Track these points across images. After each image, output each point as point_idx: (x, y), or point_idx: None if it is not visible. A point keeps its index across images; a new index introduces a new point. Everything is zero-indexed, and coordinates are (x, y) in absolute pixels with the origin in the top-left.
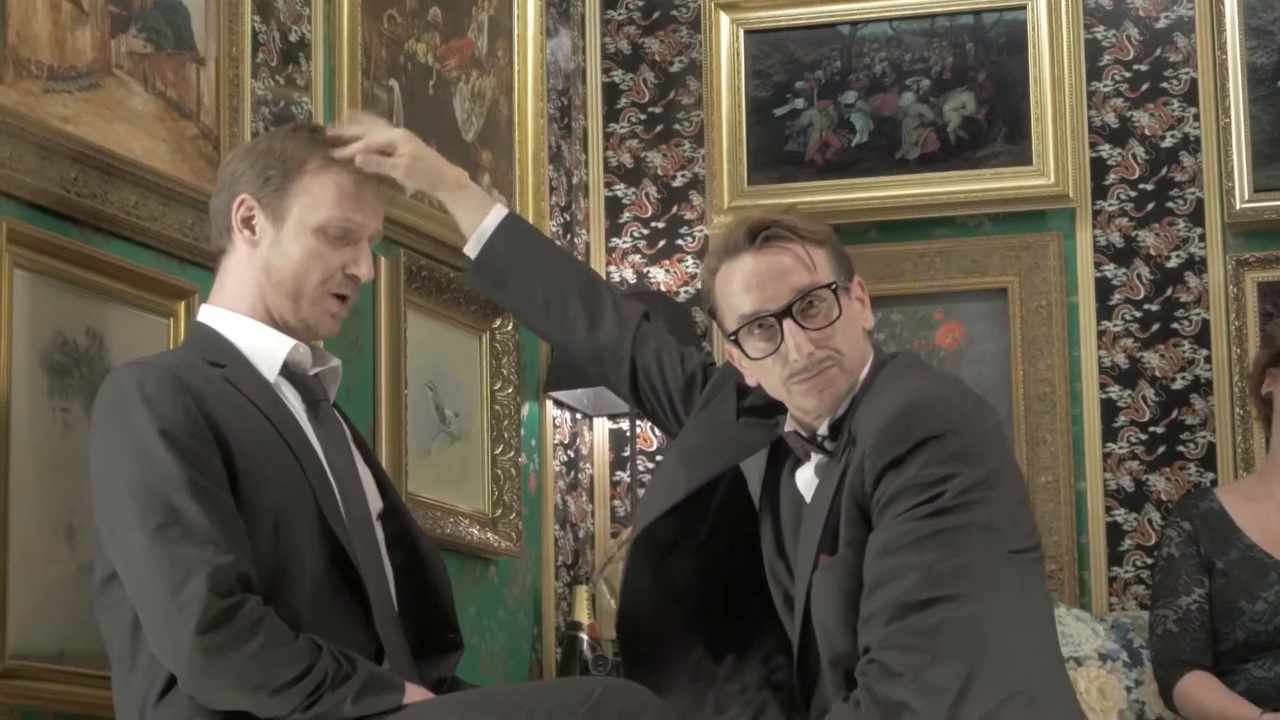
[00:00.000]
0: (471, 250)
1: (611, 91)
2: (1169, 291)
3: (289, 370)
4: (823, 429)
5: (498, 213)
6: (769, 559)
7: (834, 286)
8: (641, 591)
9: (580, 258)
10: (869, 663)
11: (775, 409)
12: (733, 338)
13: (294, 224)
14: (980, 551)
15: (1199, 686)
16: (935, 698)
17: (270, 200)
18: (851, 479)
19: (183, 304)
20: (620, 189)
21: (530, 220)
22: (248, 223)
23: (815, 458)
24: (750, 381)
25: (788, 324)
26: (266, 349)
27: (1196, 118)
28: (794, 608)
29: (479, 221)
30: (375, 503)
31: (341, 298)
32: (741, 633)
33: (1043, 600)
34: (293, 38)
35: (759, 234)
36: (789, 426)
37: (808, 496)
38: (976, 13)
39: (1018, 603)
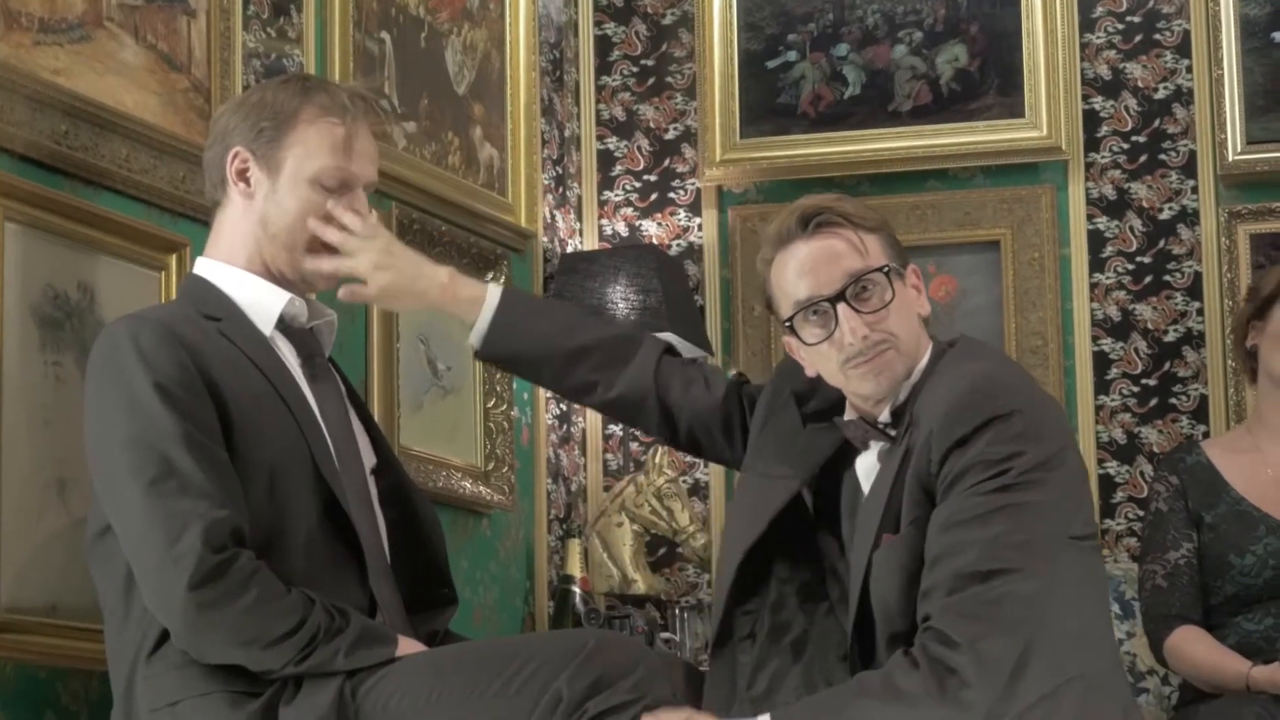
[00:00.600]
0: (475, 343)
1: (603, 44)
2: (1161, 244)
3: (284, 324)
4: (884, 415)
5: (489, 305)
6: (830, 556)
7: (887, 270)
8: (732, 612)
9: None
10: (926, 630)
11: (836, 409)
12: (788, 325)
13: (289, 175)
14: (1043, 529)
15: (1189, 641)
16: (991, 671)
17: (264, 152)
18: (916, 459)
19: (174, 257)
20: (612, 142)
21: (523, 175)
22: (243, 175)
23: (875, 445)
24: (809, 370)
25: (841, 308)
26: (262, 302)
27: (1189, 70)
28: (849, 596)
29: (474, 318)
30: (369, 459)
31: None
32: (802, 640)
33: (1102, 587)
34: None
35: (811, 221)
36: (849, 415)
37: (866, 486)
38: None
39: (1079, 586)
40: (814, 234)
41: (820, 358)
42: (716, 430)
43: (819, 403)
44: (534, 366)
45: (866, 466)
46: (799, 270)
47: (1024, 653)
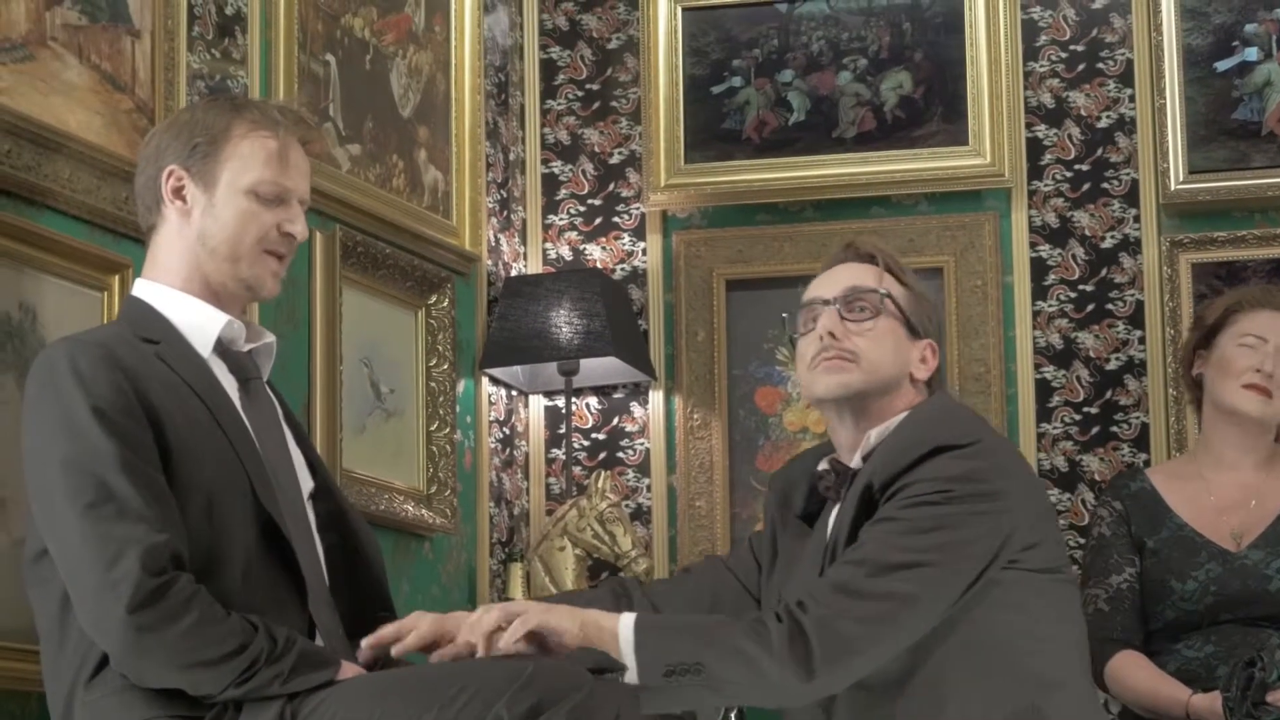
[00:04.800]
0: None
1: (549, 68)
2: (1104, 272)
3: (222, 346)
4: (855, 462)
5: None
6: None
7: (884, 296)
8: None
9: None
10: (806, 594)
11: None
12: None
13: (225, 188)
14: (966, 548)
15: (1129, 665)
16: (837, 647)
17: (200, 168)
18: (862, 487)
19: (117, 278)
20: (557, 166)
21: (467, 198)
22: (178, 193)
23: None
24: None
25: (827, 308)
26: (200, 325)
27: (1132, 99)
28: None
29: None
30: (307, 483)
31: (278, 256)
32: None
33: (1071, 625)
34: (229, 11)
35: (857, 248)
36: (823, 466)
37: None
38: None
39: (1030, 615)
40: (850, 259)
41: (799, 354)
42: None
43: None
44: None
45: (834, 516)
46: (820, 280)
47: (880, 645)
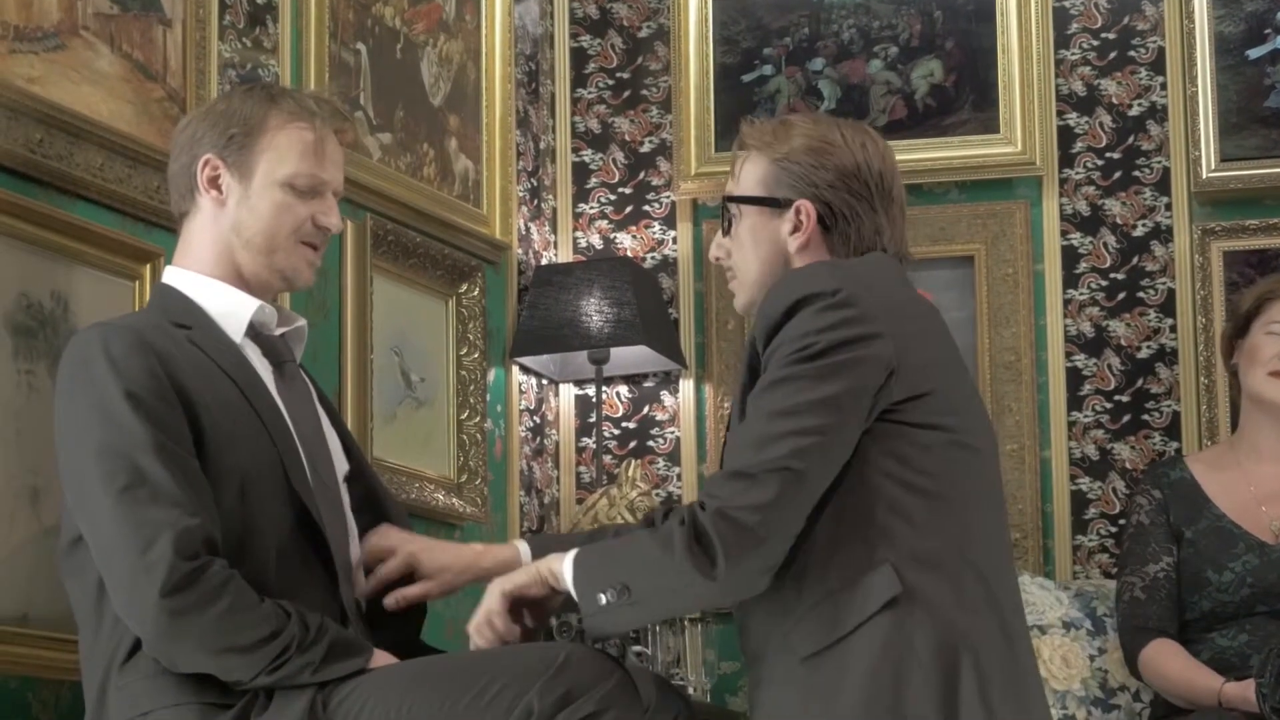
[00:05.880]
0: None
1: (579, 56)
2: (1135, 260)
3: (254, 331)
4: None
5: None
6: None
7: (727, 200)
8: None
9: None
10: (702, 491)
11: None
12: None
13: (261, 179)
14: (847, 401)
15: (1164, 654)
16: (737, 540)
17: (236, 159)
18: (747, 355)
19: (148, 267)
20: (587, 154)
21: (498, 186)
22: (214, 182)
23: None
24: None
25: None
26: (232, 310)
27: (1164, 86)
28: None
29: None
30: (341, 465)
31: (313, 247)
32: None
33: (978, 492)
34: (260, 0)
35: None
36: None
37: None
38: None
39: (909, 476)
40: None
41: None
42: None
43: None
44: None
45: None
46: None
47: (780, 527)
